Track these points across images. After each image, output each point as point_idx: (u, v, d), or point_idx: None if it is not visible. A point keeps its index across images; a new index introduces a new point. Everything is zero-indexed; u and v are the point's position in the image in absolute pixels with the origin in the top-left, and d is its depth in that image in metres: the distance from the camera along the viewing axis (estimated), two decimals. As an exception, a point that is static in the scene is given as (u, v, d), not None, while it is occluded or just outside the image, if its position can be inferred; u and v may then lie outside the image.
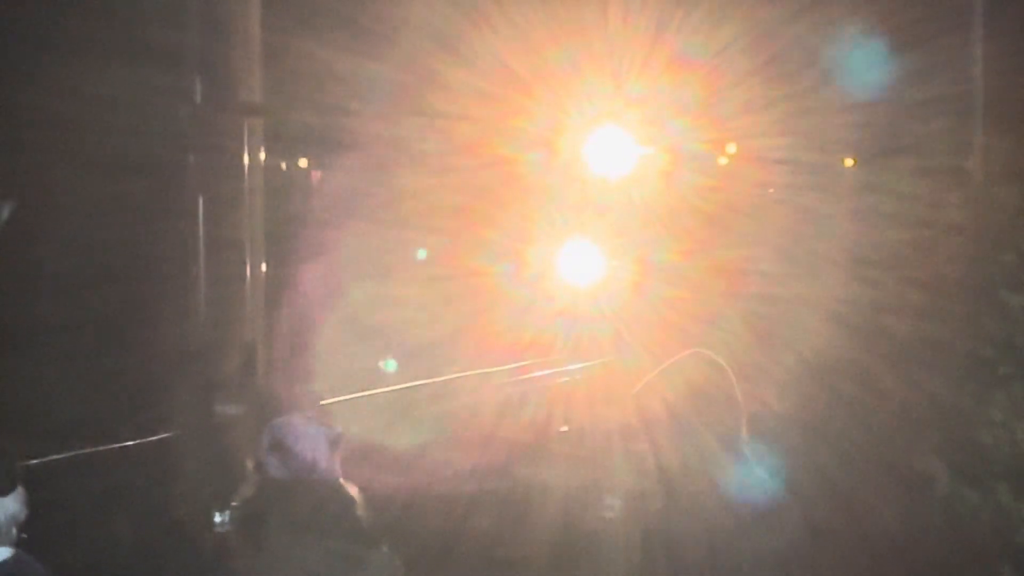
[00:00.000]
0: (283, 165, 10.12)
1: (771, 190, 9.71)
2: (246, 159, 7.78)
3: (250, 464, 4.68)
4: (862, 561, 6.53)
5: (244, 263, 7.53)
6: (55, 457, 7.74)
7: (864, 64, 9.89)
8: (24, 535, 4.21)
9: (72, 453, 8.27)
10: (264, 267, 7.47)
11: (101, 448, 8.26)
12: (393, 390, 9.08)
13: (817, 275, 8.01)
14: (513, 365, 10.12)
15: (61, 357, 8.47)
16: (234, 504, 4.78)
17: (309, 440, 4.55)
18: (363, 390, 8.77)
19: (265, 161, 7.94)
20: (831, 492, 6.36)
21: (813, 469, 6.03)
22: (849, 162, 10.60)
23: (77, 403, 8.46)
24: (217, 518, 5.03)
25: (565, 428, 8.61)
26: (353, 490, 4.61)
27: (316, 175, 10.41)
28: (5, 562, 3.77)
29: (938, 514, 7.17)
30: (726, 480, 4.55)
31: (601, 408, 7.92)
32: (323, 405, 7.66)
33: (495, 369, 10.23)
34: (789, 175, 9.54)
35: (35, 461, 6.42)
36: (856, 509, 6.65)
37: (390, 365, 9.50)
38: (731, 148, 9.99)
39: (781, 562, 4.48)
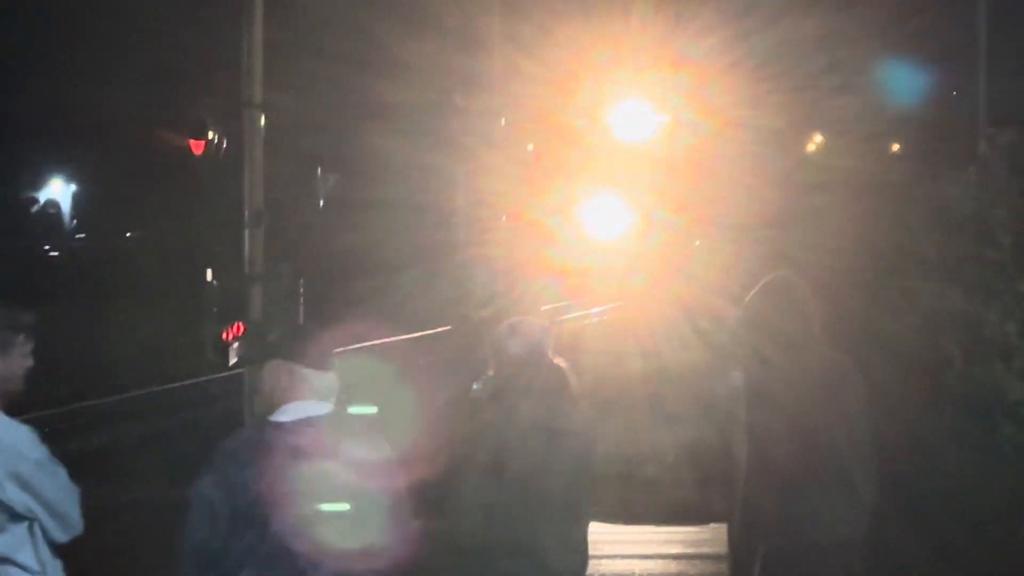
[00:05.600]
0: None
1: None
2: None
3: (494, 348, 5.54)
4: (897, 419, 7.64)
5: (495, 213, 10.09)
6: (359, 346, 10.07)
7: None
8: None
9: (370, 343, 10.27)
10: (504, 218, 10.04)
11: (390, 340, 10.28)
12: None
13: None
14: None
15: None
16: (485, 376, 5.57)
17: (533, 330, 5.56)
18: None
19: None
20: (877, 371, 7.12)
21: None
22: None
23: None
24: (475, 385, 5.71)
25: None
26: (563, 364, 5.52)
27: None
28: (327, 416, 4.36)
29: (954, 386, 8.67)
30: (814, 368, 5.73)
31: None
32: (542, 310, 10.61)
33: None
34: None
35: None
36: (890, 389, 7.65)
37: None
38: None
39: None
